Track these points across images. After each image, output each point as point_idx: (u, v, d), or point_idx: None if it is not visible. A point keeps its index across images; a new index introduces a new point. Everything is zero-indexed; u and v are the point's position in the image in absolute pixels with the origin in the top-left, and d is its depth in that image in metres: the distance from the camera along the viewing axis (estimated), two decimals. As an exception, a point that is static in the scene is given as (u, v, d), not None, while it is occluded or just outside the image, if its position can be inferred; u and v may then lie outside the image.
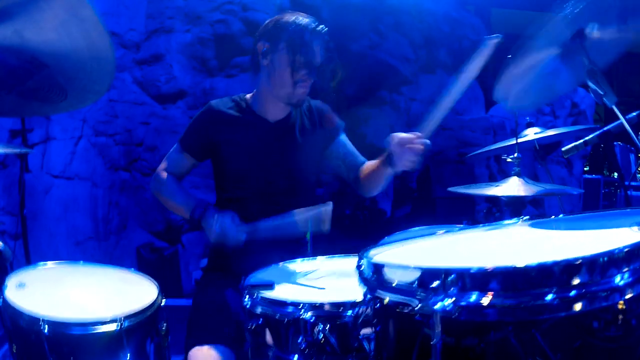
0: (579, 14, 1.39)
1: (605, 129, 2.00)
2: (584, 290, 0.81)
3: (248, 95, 1.84)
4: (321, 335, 1.18)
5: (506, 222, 1.34)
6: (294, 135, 1.80)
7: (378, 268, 0.97)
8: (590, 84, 1.44)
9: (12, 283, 1.35)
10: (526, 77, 1.59)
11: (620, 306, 0.83)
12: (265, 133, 1.76)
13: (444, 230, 1.31)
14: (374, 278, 0.99)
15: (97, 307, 1.30)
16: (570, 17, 1.38)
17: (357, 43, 5.28)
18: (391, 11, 5.50)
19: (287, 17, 1.76)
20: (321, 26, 1.75)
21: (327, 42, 1.76)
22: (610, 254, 0.82)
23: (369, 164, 1.79)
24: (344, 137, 1.90)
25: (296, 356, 1.21)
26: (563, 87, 1.78)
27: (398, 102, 5.45)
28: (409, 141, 1.54)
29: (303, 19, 1.74)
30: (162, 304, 1.35)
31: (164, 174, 1.82)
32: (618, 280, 0.82)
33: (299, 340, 1.19)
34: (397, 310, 0.93)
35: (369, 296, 1.02)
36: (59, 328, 1.18)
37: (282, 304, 1.25)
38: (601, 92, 1.43)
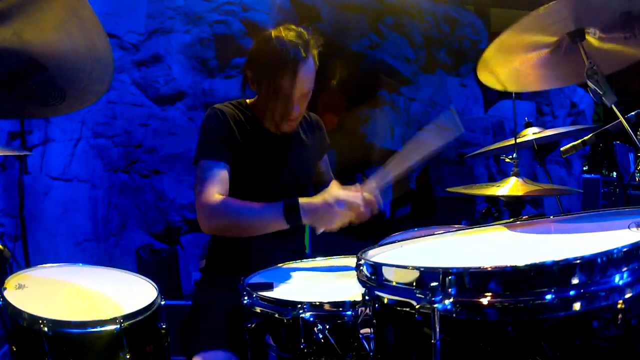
0: (580, 13, 1.39)
1: (604, 128, 2.00)
2: (583, 290, 0.81)
3: (249, 101, 1.82)
4: (321, 335, 1.18)
5: (504, 222, 1.34)
6: (296, 146, 1.83)
7: (377, 268, 0.97)
8: (590, 84, 1.44)
9: (11, 284, 1.35)
10: (515, 57, 1.59)
11: (619, 306, 0.83)
12: (271, 144, 1.76)
13: (442, 231, 1.31)
14: (373, 278, 0.99)
15: (96, 307, 1.30)
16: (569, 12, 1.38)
17: (357, 43, 5.28)
18: (391, 11, 5.50)
19: (268, 42, 1.63)
20: (305, 51, 1.60)
21: (307, 68, 1.62)
22: (609, 254, 0.82)
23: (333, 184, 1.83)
24: (326, 156, 2.01)
25: (296, 356, 1.21)
26: (558, 82, 1.78)
27: (398, 102, 5.45)
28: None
29: (286, 45, 1.59)
30: (162, 304, 1.35)
31: (221, 201, 1.57)
32: (617, 280, 0.82)
33: (298, 340, 1.19)
34: (397, 310, 0.93)
35: (368, 296, 1.03)
36: (59, 328, 1.17)
37: (281, 303, 1.25)
38: (600, 92, 1.43)
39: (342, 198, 1.45)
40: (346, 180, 1.67)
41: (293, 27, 1.67)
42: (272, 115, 1.69)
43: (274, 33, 1.65)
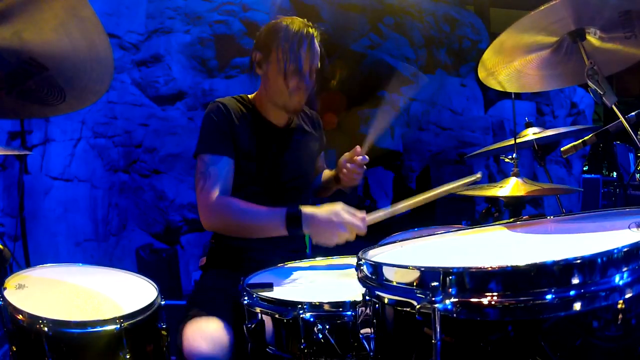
0: (580, 13, 1.40)
1: (604, 128, 2.00)
2: (583, 290, 0.81)
3: (250, 96, 1.83)
4: (321, 335, 1.18)
5: (506, 222, 1.34)
6: (299, 139, 1.84)
7: (378, 268, 0.97)
8: (590, 84, 1.45)
9: (11, 284, 1.35)
10: (515, 57, 1.59)
11: (619, 306, 0.83)
12: (273, 137, 1.77)
13: (442, 231, 1.31)
14: (373, 278, 0.99)
15: (96, 308, 1.30)
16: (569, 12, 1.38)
17: (357, 43, 5.28)
18: (391, 11, 5.50)
19: (278, 25, 1.71)
20: (313, 30, 1.71)
21: (319, 46, 1.71)
22: (609, 254, 0.82)
23: (325, 175, 2.00)
24: (323, 153, 2.04)
25: (296, 356, 1.21)
26: (558, 83, 1.79)
27: (398, 102, 5.45)
28: (350, 159, 1.74)
29: (294, 25, 1.69)
30: (162, 304, 1.35)
31: (223, 201, 1.58)
32: (617, 280, 0.82)
33: (299, 340, 1.19)
34: (397, 309, 0.93)
35: (368, 296, 1.03)
36: (59, 328, 1.17)
37: (281, 303, 1.25)
38: (601, 92, 1.43)
39: (347, 221, 1.44)
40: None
41: (297, 18, 1.75)
42: (283, 91, 1.69)
43: (282, 19, 1.73)
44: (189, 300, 1.64)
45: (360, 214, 1.48)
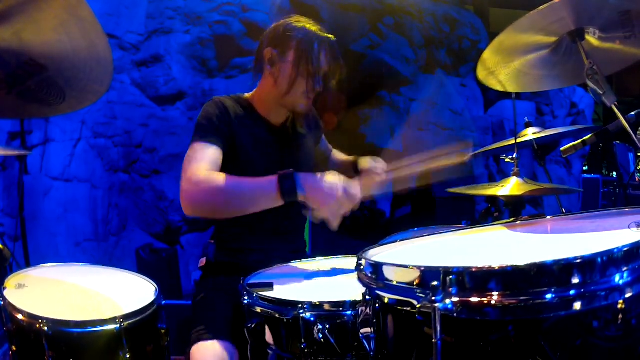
0: (579, 13, 1.40)
1: (604, 128, 2.00)
2: (583, 289, 0.81)
3: (247, 95, 1.82)
4: (321, 335, 1.18)
5: (506, 221, 1.35)
6: (295, 137, 1.84)
7: (378, 267, 0.97)
8: (590, 83, 1.45)
9: (11, 284, 1.35)
10: (515, 57, 1.60)
11: (619, 306, 0.83)
12: (270, 135, 1.77)
13: (443, 231, 1.31)
14: (373, 277, 0.99)
15: (96, 307, 1.30)
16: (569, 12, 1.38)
17: (357, 43, 5.28)
18: (391, 11, 5.50)
19: (296, 24, 1.69)
20: (329, 35, 1.70)
21: (336, 51, 1.70)
22: (609, 254, 0.82)
23: (340, 158, 2.09)
24: (323, 136, 2.08)
25: (296, 356, 1.21)
26: (557, 83, 1.79)
27: (398, 102, 5.45)
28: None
29: (312, 27, 1.69)
30: (162, 304, 1.35)
31: (210, 173, 1.51)
32: (617, 279, 0.82)
33: (299, 340, 1.19)
34: (397, 309, 0.93)
35: (368, 296, 1.03)
36: (59, 327, 1.17)
37: (282, 303, 1.25)
38: (600, 92, 1.43)
39: (346, 187, 1.42)
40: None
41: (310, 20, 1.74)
42: (294, 92, 1.68)
43: (299, 18, 1.72)
44: (193, 311, 1.63)
45: (357, 182, 1.47)
